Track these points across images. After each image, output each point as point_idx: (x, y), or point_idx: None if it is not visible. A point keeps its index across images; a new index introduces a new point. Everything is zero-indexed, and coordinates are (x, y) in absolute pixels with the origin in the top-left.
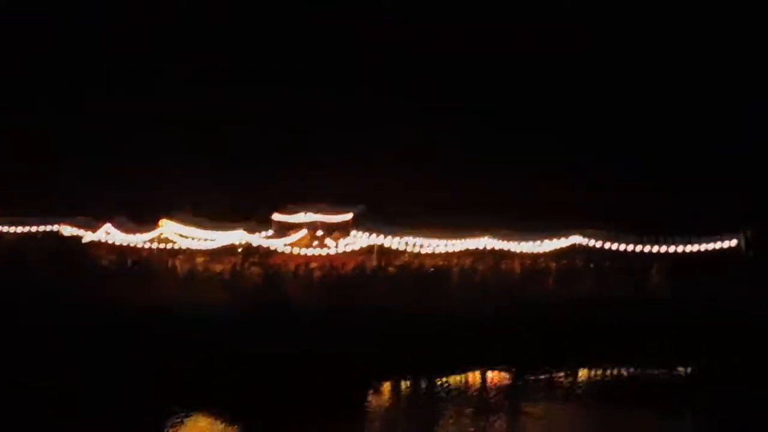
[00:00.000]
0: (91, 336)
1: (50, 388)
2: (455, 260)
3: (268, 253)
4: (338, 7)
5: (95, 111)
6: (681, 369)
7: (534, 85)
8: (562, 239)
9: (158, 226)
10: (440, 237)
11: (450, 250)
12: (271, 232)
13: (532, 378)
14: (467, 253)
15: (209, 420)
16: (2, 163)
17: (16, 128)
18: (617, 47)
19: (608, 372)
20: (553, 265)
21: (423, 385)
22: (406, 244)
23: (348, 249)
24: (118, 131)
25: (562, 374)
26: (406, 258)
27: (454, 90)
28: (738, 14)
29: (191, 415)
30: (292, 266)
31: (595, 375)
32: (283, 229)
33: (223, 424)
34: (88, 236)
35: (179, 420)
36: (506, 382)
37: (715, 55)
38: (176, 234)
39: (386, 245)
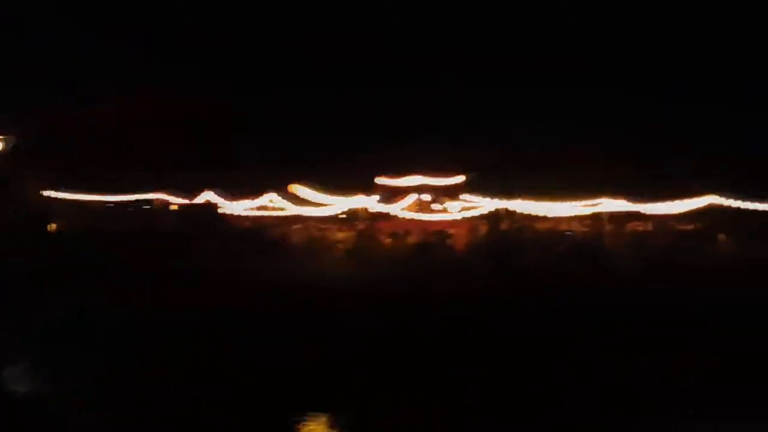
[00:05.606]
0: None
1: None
2: (587, 224)
3: (383, 218)
4: None
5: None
6: None
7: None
8: (696, 199)
9: (260, 197)
10: (563, 201)
11: (580, 213)
12: (377, 197)
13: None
14: (597, 216)
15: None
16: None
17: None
18: None
19: None
20: (689, 227)
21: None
22: (531, 207)
23: (470, 214)
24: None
25: None
26: (533, 223)
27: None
28: None
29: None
30: (413, 233)
31: None
32: (389, 195)
33: None
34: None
35: None
36: None
37: None
38: (288, 201)
39: (511, 209)
